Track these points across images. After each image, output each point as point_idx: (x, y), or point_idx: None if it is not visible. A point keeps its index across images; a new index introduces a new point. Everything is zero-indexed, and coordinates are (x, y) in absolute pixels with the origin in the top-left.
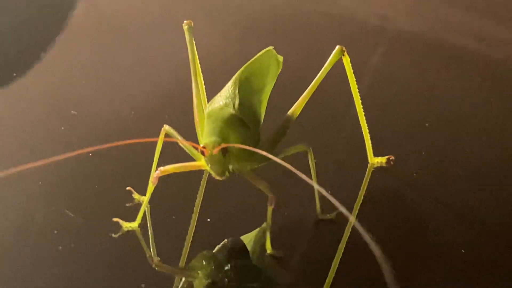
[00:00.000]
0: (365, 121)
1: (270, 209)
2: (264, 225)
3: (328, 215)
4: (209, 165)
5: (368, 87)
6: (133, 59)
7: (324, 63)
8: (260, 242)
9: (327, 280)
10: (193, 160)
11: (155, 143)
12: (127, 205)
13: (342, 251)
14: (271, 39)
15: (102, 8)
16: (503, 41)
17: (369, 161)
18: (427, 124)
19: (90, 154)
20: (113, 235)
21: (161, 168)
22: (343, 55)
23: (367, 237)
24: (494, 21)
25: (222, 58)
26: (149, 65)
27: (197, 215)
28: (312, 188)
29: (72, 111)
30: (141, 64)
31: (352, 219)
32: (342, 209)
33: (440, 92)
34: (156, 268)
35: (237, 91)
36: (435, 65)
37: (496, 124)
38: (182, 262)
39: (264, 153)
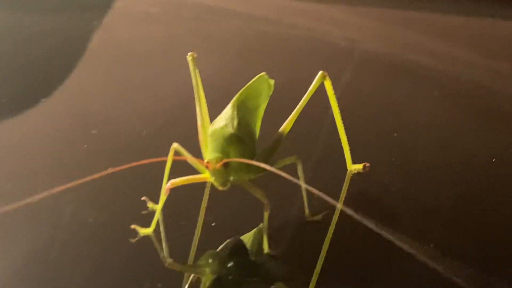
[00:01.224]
0: (344, 133)
1: (266, 214)
2: (260, 226)
3: (315, 217)
4: (213, 177)
5: (345, 104)
6: (143, 83)
7: (308, 83)
8: (257, 242)
9: (315, 271)
10: (198, 173)
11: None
12: (143, 212)
13: (328, 246)
14: (262, 64)
15: (116, 39)
16: (457, 58)
17: (348, 168)
18: (395, 134)
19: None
20: (131, 240)
21: (172, 180)
22: (325, 79)
23: (356, 216)
24: (448, 40)
25: (222, 84)
26: (158, 90)
27: (203, 220)
28: (300, 192)
29: (93, 131)
30: (150, 89)
31: (339, 205)
32: (328, 198)
33: (405, 105)
34: (169, 267)
35: (235, 112)
36: (399, 81)
37: (453, 131)
38: (190, 261)
39: (261, 164)
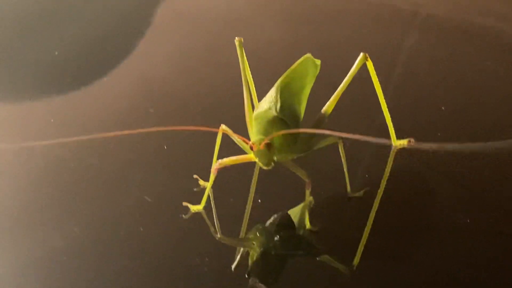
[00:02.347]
0: (387, 110)
1: (307, 192)
2: (302, 204)
3: (357, 193)
4: (257, 158)
5: (402, 73)
6: (206, 57)
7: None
8: (302, 218)
9: (359, 246)
10: (245, 153)
11: (214, 136)
12: (195, 189)
13: (371, 223)
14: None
15: (180, 11)
16: None
17: (393, 143)
18: (442, 108)
19: (165, 147)
20: (183, 216)
21: (220, 160)
22: (367, 60)
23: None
24: None
25: (268, 67)
26: (221, 66)
27: (252, 197)
28: (342, 171)
29: (150, 109)
30: (213, 64)
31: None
32: None
33: (468, 73)
34: (220, 241)
35: (278, 95)
36: (463, 47)
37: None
38: (239, 236)
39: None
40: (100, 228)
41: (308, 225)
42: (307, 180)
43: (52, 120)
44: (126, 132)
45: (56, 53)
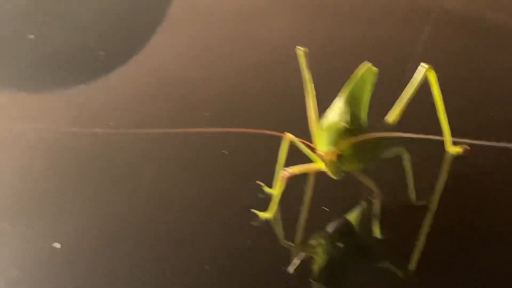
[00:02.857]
0: (445, 117)
1: (376, 201)
2: (370, 212)
3: (421, 202)
4: (327, 168)
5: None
6: (222, 50)
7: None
8: (367, 227)
9: (418, 257)
10: (309, 161)
11: (277, 144)
12: (260, 196)
13: (428, 231)
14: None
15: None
16: None
17: (447, 150)
18: (491, 114)
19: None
20: (253, 223)
21: (288, 169)
22: (430, 71)
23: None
24: None
25: (328, 75)
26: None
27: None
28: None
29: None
30: (230, 55)
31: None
32: None
33: (489, 72)
34: (286, 247)
35: (345, 105)
36: (483, 44)
37: None
38: (304, 243)
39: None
40: (155, 231)
41: (376, 233)
42: (376, 191)
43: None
44: (180, 130)
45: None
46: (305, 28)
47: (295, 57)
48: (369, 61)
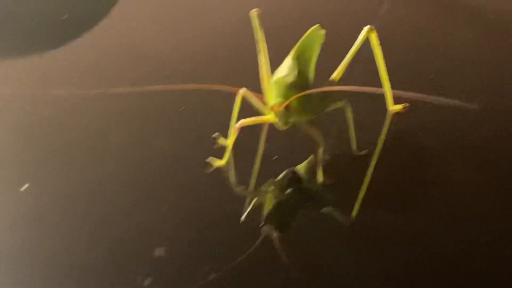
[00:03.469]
0: (387, 79)
1: (320, 150)
2: (314, 159)
3: (362, 152)
4: (276, 118)
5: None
6: (188, 20)
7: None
8: (312, 173)
9: (359, 197)
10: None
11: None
12: (215, 147)
13: (370, 176)
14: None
15: None
16: None
17: (388, 108)
18: (432, 76)
19: (184, 108)
20: (207, 170)
21: (241, 121)
22: (372, 31)
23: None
24: None
25: (280, 37)
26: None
27: (262, 155)
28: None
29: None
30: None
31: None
32: None
33: (444, 40)
34: (237, 194)
35: (295, 62)
36: (440, 13)
37: (494, 72)
38: (255, 188)
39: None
40: (118, 179)
41: (320, 178)
42: (320, 140)
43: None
44: (141, 89)
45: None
46: None
47: (249, 20)
48: (324, 26)
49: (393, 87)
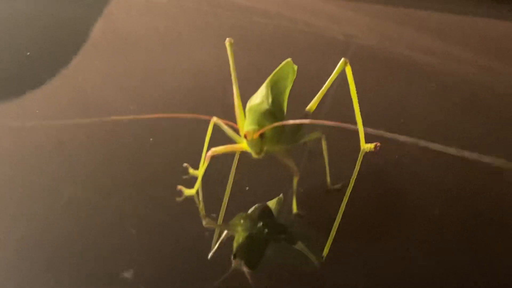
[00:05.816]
0: (360, 115)
1: (295, 179)
2: (286, 192)
3: (335, 185)
4: (250, 146)
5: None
6: (145, 74)
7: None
8: (284, 205)
9: (332, 231)
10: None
11: (206, 126)
12: (184, 177)
13: (343, 210)
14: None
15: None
16: (450, 55)
17: (361, 146)
18: (402, 120)
19: (151, 140)
20: (177, 198)
21: (212, 149)
22: (346, 65)
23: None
24: (442, 38)
25: (254, 68)
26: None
27: (233, 185)
28: (323, 164)
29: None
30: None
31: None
32: None
33: (398, 99)
34: (206, 226)
35: (269, 91)
36: (394, 76)
37: (450, 120)
38: (225, 221)
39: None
40: (90, 211)
41: (295, 210)
42: (295, 169)
43: None
44: (113, 118)
45: None
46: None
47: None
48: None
49: (365, 123)
